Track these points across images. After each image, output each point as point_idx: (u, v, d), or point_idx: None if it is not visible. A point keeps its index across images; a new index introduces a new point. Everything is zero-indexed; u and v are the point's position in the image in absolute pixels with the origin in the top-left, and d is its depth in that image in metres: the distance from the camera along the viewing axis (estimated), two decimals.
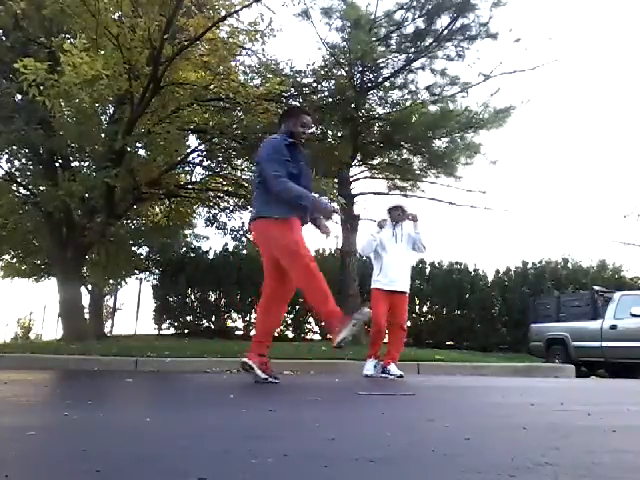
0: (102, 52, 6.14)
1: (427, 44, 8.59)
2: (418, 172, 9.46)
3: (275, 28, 7.11)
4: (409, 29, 8.74)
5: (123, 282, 12.25)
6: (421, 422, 2.08)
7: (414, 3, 8.50)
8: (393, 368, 4.82)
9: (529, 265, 13.20)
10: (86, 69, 5.38)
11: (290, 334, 11.48)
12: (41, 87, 5.58)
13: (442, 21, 8.45)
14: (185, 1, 6.37)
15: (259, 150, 3.62)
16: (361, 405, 2.68)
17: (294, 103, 8.31)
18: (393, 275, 4.90)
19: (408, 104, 8.60)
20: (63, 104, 6.02)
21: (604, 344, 8.55)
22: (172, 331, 12.32)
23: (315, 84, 8.36)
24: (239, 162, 9.45)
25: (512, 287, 12.60)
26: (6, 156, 8.04)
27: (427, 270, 12.68)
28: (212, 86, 7.32)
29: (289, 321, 11.96)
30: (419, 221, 4.95)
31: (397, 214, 5.01)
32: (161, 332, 12.28)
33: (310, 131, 3.67)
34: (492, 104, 8.49)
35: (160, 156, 8.33)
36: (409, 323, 10.03)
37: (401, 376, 4.70)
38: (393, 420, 2.14)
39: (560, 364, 7.88)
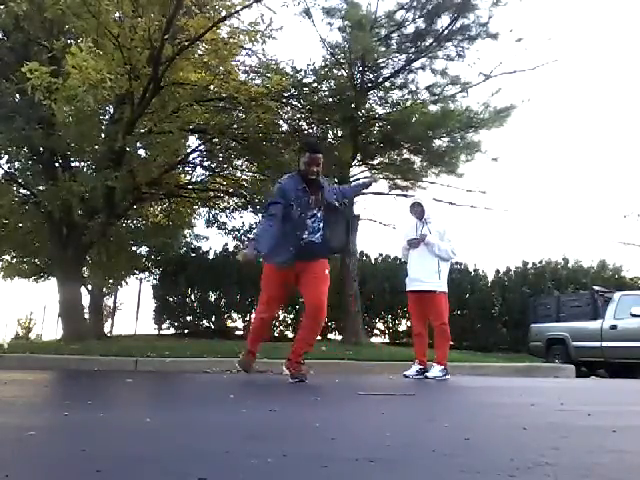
0: (103, 53, 6.13)
1: (427, 44, 8.58)
2: (418, 171, 9.44)
3: (275, 28, 7.10)
4: (409, 29, 8.72)
5: (123, 282, 12.23)
6: (421, 422, 2.09)
7: (414, 3, 8.49)
8: (433, 370, 4.67)
9: (529, 265, 13.18)
10: (91, 72, 5.37)
11: (290, 334, 11.48)
12: (46, 92, 5.56)
13: (442, 21, 8.43)
14: (185, 1, 6.37)
15: None
16: (361, 405, 2.68)
17: (294, 103, 8.31)
18: (414, 275, 4.78)
19: (408, 104, 8.59)
20: (67, 107, 6.01)
21: (604, 344, 8.55)
22: (172, 331, 12.30)
23: (315, 84, 8.35)
24: (239, 162, 9.44)
25: (512, 287, 12.58)
26: (6, 156, 8.03)
27: None
28: (212, 86, 7.32)
29: (289, 321, 11.97)
30: (428, 241, 4.69)
31: (415, 211, 4.85)
32: (161, 332, 12.26)
33: (317, 169, 3.80)
34: (493, 104, 8.48)
35: (160, 156, 8.32)
36: (408, 323, 10.07)
37: (441, 378, 4.58)
38: (393, 420, 2.14)
39: (560, 364, 7.88)
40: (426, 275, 4.71)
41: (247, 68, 8.12)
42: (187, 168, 9.74)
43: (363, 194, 9.61)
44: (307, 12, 8.26)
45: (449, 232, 4.84)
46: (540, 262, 13.22)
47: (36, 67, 5.37)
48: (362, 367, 5.66)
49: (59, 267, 8.33)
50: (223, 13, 7.13)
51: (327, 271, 3.97)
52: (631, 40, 38.31)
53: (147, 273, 12.75)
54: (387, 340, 12.02)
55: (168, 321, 12.39)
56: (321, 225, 3.87)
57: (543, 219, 26.79)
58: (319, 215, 3.86)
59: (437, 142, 8.92)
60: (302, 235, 3.79)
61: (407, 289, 4.89)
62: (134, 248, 11.68)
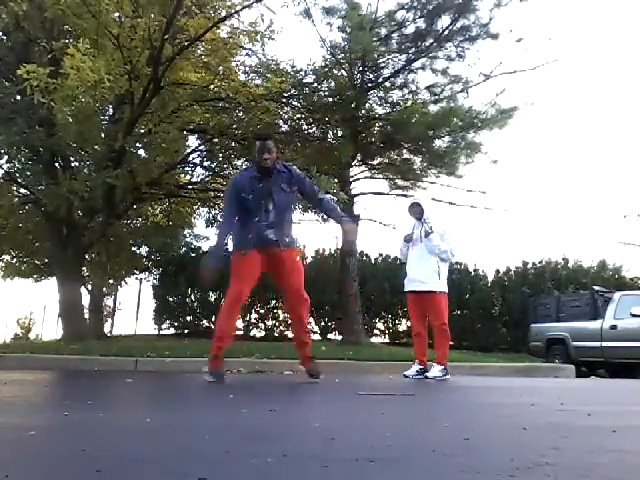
0: (102, 53, 6.13)
1: (428, 44, 8.58)
2: (418, 172, 9.44)
3: (275, 29, 7.10)
4: (410, 29, 8.72)
5: (123, 282, 12.24)
6: (421, 422, 2.09)
7: (415, 3, 8.49)
8: (433, 370, 4.66)
9: (529, 265, 13.19)
10: (89, 73, 5.36)
11: (290, 334, 11.49)
12: (44, 92, 5.56)
13: (443, 22, 8.43)
14: (185, 1, 6.37)
15: None
16: (361, 405, 2.68)
17: (295, 103, 8.31)
18: (413, 275, 4.78)
19: (409, 104, 8.58)
20: (66, 107, 6.00)
21: (604, 344, 8.55)
22: (172, 331, 12.31)
23: (315, 84, 8.35)
24: (239, 162, 9.44)
25: (512, 287, 12.58)
26: (6, 156, 8.03)
27: None
28: (212, 86, 7.32)
29: (289, 321, 11.96)
30: (432, 235, 4.72)
31: (414, 211, 4.85)
32: (161, 332, 12.27)
33: (268, 156, 3.72)
34: (496, 105, 8.47)
35: (160, 156, 8.32)
36: (408, 323, 10.07)
37: (441, 378, 4.58)
38: (393, 420, 2.14)
39: (560, 364, 7.88)
40: (426, 275, 4.70)
41: (247, 68, 8.12)
42: (187, 168, 9.74)
43: (363, 193, 9.65)
44: (307, 12, 8.26)
45: (448, 233, 4.84)
46: (540, 262, 13.23)
47: (33, 68, 5.36)
48: (362, 367, 5.65)
49: (59, 267, 8.32)
50: (223, 13, 7.13)
51: (298, 259, 3.94)
52: (631, 40, 38.31)
53: (147, 273, 12.75)
54: (387, 340, 12.02)
55: (168, 321, 12.39)
56: (277, 214, 3.78)
57: (543, 219, 26.79)
58: (276, 204, 3.76)
59: (437, 142, 8.92)
60: (260, 222, 3.72)
61: (406, 289, 4.88)
62: (134, 248, 11.68)
